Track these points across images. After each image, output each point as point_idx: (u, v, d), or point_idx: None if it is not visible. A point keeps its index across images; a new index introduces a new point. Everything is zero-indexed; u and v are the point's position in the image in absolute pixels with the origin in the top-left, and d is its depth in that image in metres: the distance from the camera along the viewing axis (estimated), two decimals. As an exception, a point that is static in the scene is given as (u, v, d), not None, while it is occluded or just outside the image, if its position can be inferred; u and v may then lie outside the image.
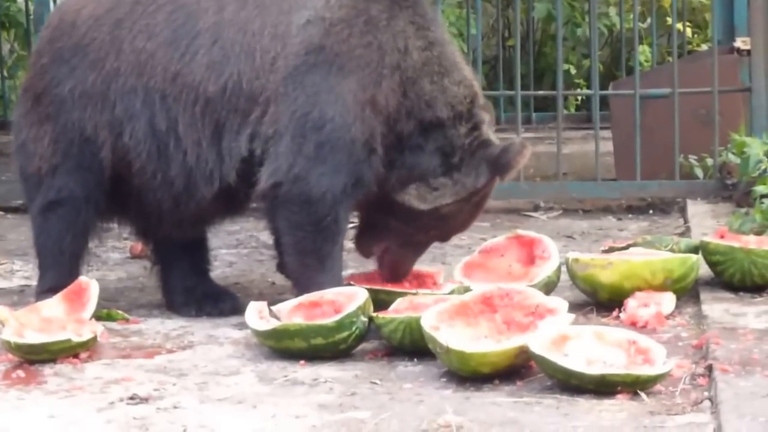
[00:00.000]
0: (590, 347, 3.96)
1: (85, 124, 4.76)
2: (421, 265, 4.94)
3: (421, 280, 4.83)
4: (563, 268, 4.86)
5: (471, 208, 4.75)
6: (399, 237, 4.76)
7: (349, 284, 4.63)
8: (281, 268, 4.91)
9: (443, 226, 4.75)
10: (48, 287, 4.83)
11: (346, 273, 4.93)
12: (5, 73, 9.48)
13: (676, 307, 4.68)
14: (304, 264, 4.64)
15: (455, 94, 4.68)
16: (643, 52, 9.45)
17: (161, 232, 4.99)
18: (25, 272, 5.61)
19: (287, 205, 4.59)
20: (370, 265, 5.00)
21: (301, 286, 4.61)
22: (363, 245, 4.85)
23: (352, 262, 5.26)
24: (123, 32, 4.75)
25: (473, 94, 4.73)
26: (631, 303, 4.62)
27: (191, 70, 4.66)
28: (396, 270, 4.80)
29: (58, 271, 4.86)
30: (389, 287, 4.71)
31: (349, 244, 4.99)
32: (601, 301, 4.76)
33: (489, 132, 4.75)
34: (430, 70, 4.66)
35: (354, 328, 4.28)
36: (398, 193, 4.67)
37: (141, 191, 4.78)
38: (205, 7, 4.71)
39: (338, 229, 4.62)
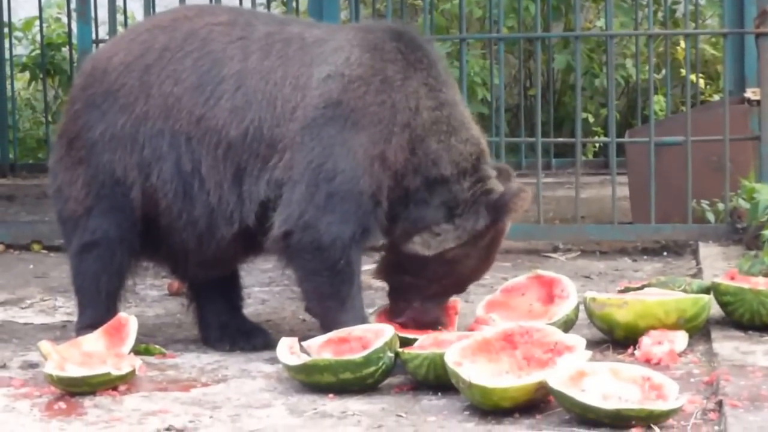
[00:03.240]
0: (606, 383, 4.01)
1: (115, 166, 4.81)
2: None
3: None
4: (581, 307, 4.90)
5: (479, 254, 4.77)
6: (416, 292, 4.79)
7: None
8: (309, 309, 4.92)
9: (452, 273, 4.77)
10: (87, 324, 4.91)
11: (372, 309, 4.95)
12: (50, 119, 9.64)
13: (689, 345, 4.72)
14: (326, 307, 4.70)
15: (461, 151, 4.71)
16: (658, 102, 9.42)
17: (187, 272, 5.04)
18: (67, 308, 5.67)
19: (300, 254, 4.64)
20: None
21: (326, 328, 4.65)
22: (393, 308, 4.89)
23: (380, 300, 5.29)
24: (152, 78, 4.81)
25: (479, 152, 4.76)
26: (645, 341, 4.67)
27: (215, 114, 4.72)
28: (421, 322, 4.79)
29: (96, 309, 4.92)
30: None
31: (376, 283, 5.07)
32: (617, 339, 4.80)
33: (497, 185, 4.75)
34: (439, 129, 4.70)
35: (381, 364, 4.34)
36: (405, 244, 4.72)
37: (168, 231, 4.82)
38: (231, 55, 4.78)
39: (353, 270, 4.66)
